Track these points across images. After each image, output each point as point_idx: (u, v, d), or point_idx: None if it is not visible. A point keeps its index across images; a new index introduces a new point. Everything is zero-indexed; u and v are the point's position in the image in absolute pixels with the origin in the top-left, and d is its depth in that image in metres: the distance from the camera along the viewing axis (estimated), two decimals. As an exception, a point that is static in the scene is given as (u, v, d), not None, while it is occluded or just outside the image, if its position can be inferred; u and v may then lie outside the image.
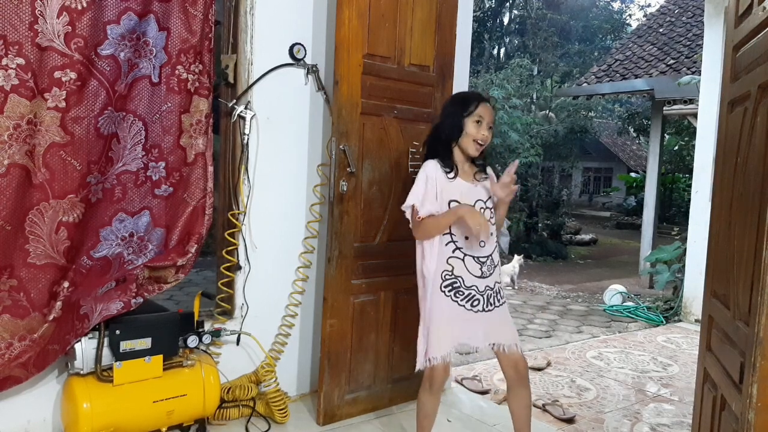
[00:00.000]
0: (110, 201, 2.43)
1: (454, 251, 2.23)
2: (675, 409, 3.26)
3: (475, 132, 2.24)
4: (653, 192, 7.98)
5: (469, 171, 2.33)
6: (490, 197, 2.32)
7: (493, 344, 2.27)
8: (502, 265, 2.37)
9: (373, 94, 2.74)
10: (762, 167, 1.49)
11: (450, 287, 2.23)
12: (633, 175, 20.66)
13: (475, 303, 2.24)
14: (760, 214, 1.47)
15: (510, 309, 2.43)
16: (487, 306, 2.25)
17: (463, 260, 2.23)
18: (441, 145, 2.30)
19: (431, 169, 2.26)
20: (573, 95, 10.51)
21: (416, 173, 2.70)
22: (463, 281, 2.23)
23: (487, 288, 2.25)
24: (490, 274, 2.26)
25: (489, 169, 2.41)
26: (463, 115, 2.25)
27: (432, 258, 2.25)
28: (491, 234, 2.27)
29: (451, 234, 2.23)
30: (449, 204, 2.24)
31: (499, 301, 2.29)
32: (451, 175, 2.26)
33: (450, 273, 2.23)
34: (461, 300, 2.23)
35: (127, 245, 2.48)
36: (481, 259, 2.24)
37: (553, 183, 13.37)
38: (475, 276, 2.23)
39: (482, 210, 2.26)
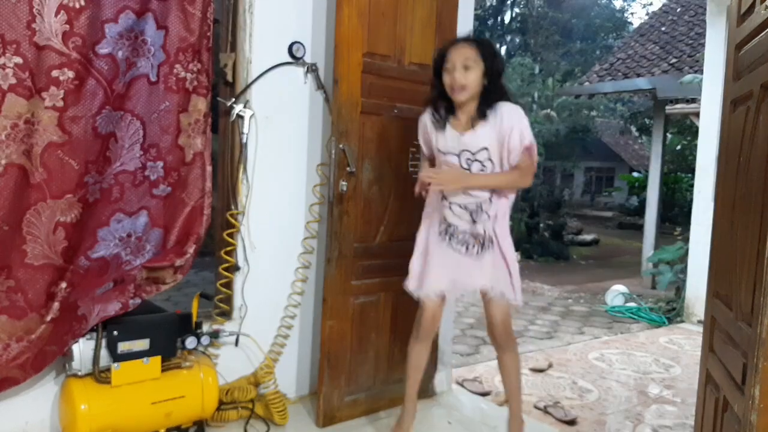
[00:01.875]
0: (108, 201, 2.41)
1: (442, 200, 2.35)
2: (677, 411, 3.24)
3: (448, 81, 2.21)
4: (656, 192, 7.96)
5: (464, 119, 2.28)
6: (484, 148, 2.23)
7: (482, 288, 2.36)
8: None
9: (373, 93, 2.72)
10: (765, 167, 1.48)
11: (444, 232, 2.36)
12: (635, 174, 20.62)
13: (469, 246, 2.32)
14: (763, 214, 1.46)
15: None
16: (479, 250, 2.32)
17: (450, 208, 2.33)
18: (443, 100, 2.31)
19: (423, 118, 2.42)
20: (575, 94, 10.52)
21: (417, 173, 2.70)
22: (457, 228, 2.33)
23: (476, 233, 2.31)
24: (476, 222, 2.30)
25: (498, 110, 2.22)
26: (439, 70, 2.26)
27: (430, 198, 2.44)
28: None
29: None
30: (438, 152, 2.35)
31: (491, 246, 2.32)
32: (439, 125, 2.31)
33: (444, 219, 2.36)
34: (455, 244, 2.34)
35: (125, 246, 2.47)
36: (469, 207, 2.30)
37: (554, 183, 13.39)
38: (464, 220, 2.32)
39: (469, 161, 2.26)
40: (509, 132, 2.20)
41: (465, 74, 2.17)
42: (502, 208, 2.35)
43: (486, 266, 2.33)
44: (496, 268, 2.34)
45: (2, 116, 2.11)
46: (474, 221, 2.30)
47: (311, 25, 2.89)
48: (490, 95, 2.23)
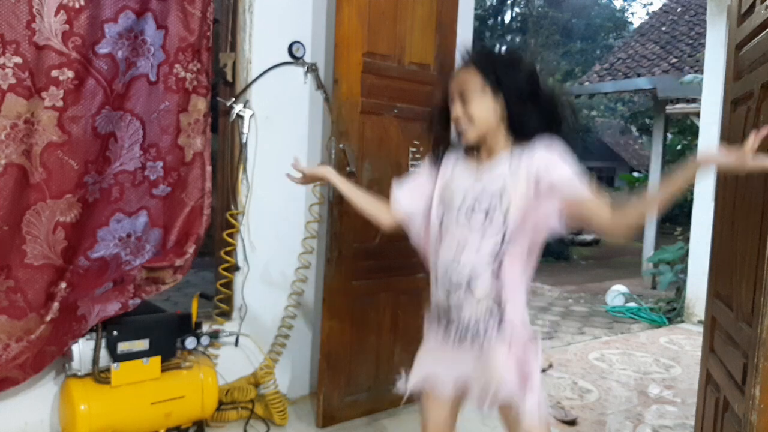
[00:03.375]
0: (108, 201, 2.41)
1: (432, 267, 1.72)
2: (677, 411, 3.23)
3: (453, 117, 1.60)
4: (656, 192, 7.93)
5: (484, 156, 1.60)
6: (499, 189, 1.51)
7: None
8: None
9: (373, 93, 2.72)
10: (765, 167, 1.47)
11: (435, 318, 1.70)
12: (636, 174, 20.57)
13: (453, 335, 1.61)
14: (763, 215, 1.46)
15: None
16: (468, 340, 1.57)
17: (436, 281, 1.68)
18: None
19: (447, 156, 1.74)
20: (575, 94, 10.48)
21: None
22: (439, 307, 1.67)
23: (462, 319, 1.58)
24: (462, 299, 1.57)
25: (533, 150, 1.50)
26: (443, 105, 1.65)
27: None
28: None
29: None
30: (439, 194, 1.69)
31: (492, 334, 1.54)
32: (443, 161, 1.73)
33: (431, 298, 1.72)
34: (440, 330, 1.66)
35: (124, 246, 2.46)
36: (454, 279, 1.58)
37: (555, 183, 13.31)
38: (445, 297, 1.62)
39: (469, 211, 1.56)
40: (544, 161, 1.48)
41: (466, 106, 1.55)
42: (512, 275, 1.53)
43: (490, 363, 1.54)
44: (503, 368, 1.52)
45: (2, 116, 2.11)
46: (450, 295, 1.58)
47: (311, 25, 2.88)
48: (522, 121, 1.53)
